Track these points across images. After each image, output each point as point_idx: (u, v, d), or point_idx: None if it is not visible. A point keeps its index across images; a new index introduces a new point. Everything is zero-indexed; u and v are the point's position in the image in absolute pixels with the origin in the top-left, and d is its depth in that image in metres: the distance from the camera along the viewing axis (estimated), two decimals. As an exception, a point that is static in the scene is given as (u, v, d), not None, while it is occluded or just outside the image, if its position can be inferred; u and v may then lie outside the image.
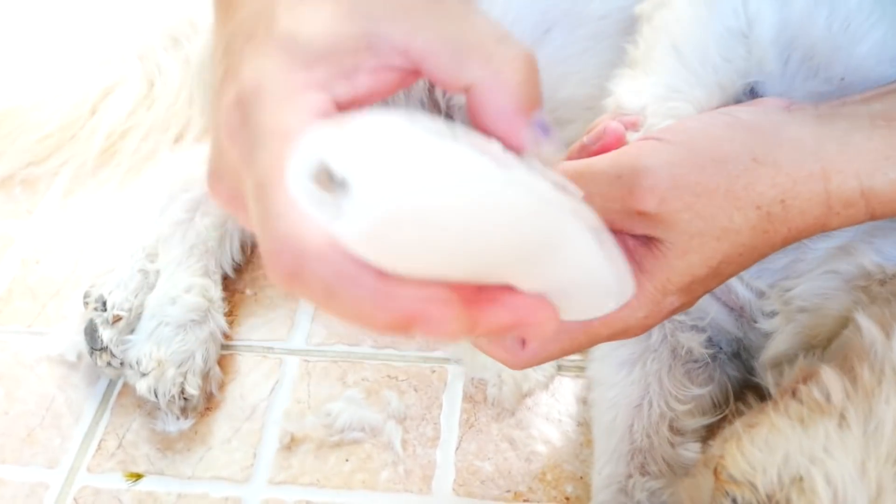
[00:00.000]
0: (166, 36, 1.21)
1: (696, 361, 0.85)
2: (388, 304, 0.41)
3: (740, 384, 0.88)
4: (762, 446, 0.55)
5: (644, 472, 0.81)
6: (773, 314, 0.77)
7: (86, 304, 0.96)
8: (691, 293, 0.62)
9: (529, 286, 0.45)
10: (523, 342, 0.62)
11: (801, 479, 0.52)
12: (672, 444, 0.82)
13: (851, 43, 0.68)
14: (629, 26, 0.84)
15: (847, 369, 0.59)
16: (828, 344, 0.67)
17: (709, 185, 0.57)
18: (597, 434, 0.87)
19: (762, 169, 0.59)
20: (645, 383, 0.84)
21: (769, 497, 0.55)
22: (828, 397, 0.57)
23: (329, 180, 0.38)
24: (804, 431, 0.55)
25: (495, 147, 0.43)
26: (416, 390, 0.95)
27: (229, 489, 0.87)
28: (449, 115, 1.15)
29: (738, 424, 0.58)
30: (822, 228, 0.61)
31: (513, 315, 0.45)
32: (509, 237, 0.41)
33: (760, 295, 0.78)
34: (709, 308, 0.83)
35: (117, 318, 0.94)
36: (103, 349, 0.93)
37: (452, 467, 0.89)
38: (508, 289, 0.45)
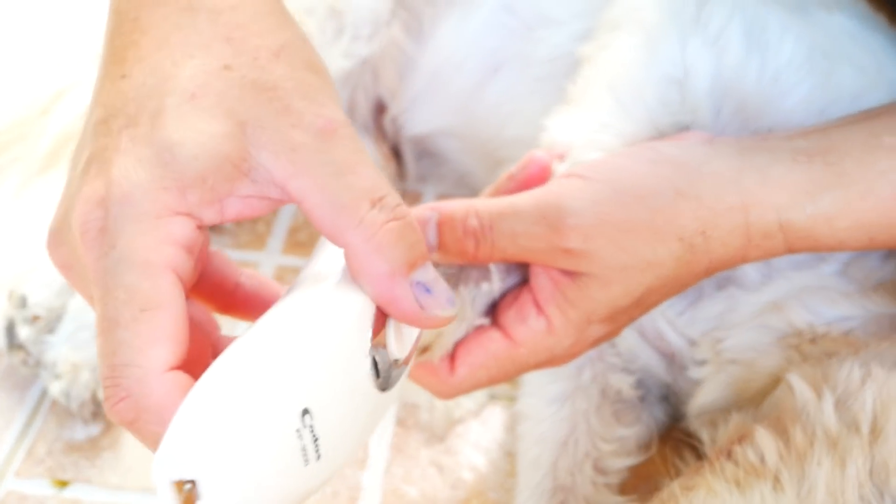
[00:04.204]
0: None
1: (624, 402, 0.83)
2: None
3: (666, 428, 0.86)
4: (700, 509, 0.52)
5: None
6: (703, 362, 0.75)
7: (9, 300, 0.91)
8: (615, 322, 0.61)
9: None
10: (452, 367, 0.60)
11: (738, 542, 0.50)
12: (594, 484, 0.79)
13: (780, 96, 0.67)
14: (576, 69, 0.82)
15: (780, 430, 0.57)
16: (760, 400, 0.65)
17: (633, 220, 0.57)
18: (521, 468, 0.84)
19: (685, 202, 0.58)
20: (573, 421, 0.81)
21: (707, 560, 0.53)
22: (762, 459, 0.55)
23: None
24: (741, 495, 0.53)
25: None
26: (348, 412, 0.90)
27: (156, 501, 0.82)
28: (397, 145, 1.11)
29: (676, 486, 0.56)
30: (742, 259, 0.61)
31: None
32: None
33: (692, 343, 0.75)
34: (640, 353, 0.80)
35: (36, 318, 0.90)
36: (19, 346, 0.89)
37: (379, 490, 0.85)
38: None
